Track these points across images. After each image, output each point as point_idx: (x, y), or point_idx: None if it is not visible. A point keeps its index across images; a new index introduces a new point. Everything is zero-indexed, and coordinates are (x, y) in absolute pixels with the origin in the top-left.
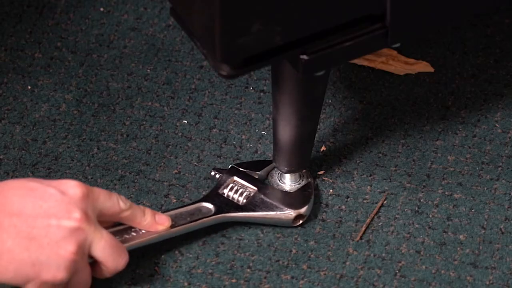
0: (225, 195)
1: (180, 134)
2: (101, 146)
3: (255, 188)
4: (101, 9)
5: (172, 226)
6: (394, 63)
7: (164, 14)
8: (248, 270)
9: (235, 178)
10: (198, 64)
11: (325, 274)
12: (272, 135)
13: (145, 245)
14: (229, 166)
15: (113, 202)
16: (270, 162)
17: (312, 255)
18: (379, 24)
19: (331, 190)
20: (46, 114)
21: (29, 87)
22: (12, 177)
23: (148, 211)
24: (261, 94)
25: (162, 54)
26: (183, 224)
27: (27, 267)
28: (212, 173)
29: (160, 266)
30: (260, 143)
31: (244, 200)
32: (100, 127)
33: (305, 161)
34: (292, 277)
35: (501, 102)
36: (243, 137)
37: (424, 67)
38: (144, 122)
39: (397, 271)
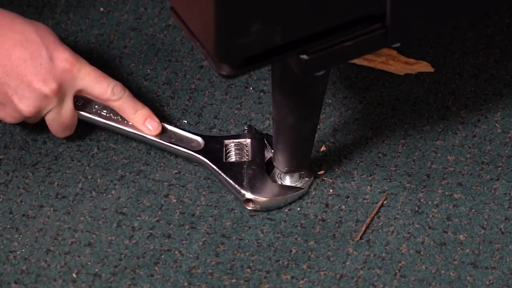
0: (226, 147)
1: None
2: (101, 146)
3: (250, 159)
4: (101, 9)
5: (156, 136)
6: (394, 63)
7: (164, 14)
8: (248, 270)
9: (250, 141)
10: (198, 64)
11: (325, 274)
12: (272, 135)
13: (122, 134)
14: (263, 133)
15: (101, 88)
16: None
17: (312, 255)
18: (379, 24)
19: (331, 190)
20: None
21: None
22: (12, 177)
23: (142, 112)
24: (261, 94)
25: (162, 54)
26: (166, 141)
27: None
28: (245, 127)
29: (160, 266)
30: None
31: (230, 160)
32: (100, 127)
33: (305, 161)
34: (292, 277)
35: (501, 102)
36: None
37: (424, 67)
38: None
39: (397, 271)
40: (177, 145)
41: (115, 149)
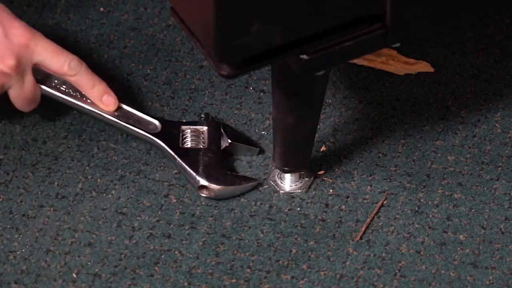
0: (183, 132)
1: None
2: (101, 146)
3: (206, 146)
4: (101, 9)
5: (113, 116)
6: (394, 63)
7: (164, 14)
8: (248, 270)
9: (206, 129)
10: (198, 64)
11: (325, 274)
12: (272, 135)
13: (79, 110)
14: (221, 122)
15: (57, 62)
16: (252, 143)
17: (312, 255)
18: (379, 24)
19: (331, 190)
20: (46, 114)
21: None
22: (12, 177)
23: (99, 87)
24: (261, 94)
25: (162, 54)
26: (123, 122)
27: None
28: (202, 114)
29: (160, 266)
30: (260, 143)
31: (186, 146)
32: (100, 127)
33: (305, 161)
34: (292, 277)
35: (501, 102)
36: None
37: (424, 67)
38: None
39: (397, 271)
40: (134, 126)
41: (115, 149)
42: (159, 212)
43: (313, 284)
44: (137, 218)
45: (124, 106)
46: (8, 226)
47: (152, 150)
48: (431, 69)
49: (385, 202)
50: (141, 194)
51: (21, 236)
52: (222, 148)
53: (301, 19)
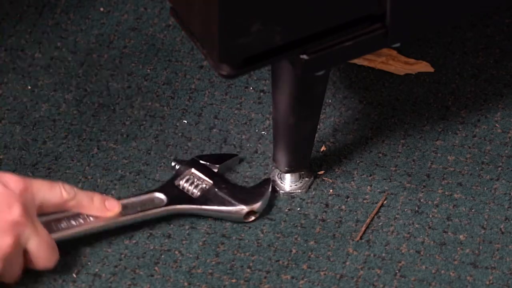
0: (180, 187)
1: (180, 134)
2: (101, 146)
3: (211, 182)
4: (101, 9)
5: (122, 215)
6: (394, 63)
7: (164, 14)
8: (248, 270)
9: (193, 170)
10: (198, 64)
11: (325, 274)
12: (272, 135)
13: (93, 233)
14: (190, 158)
15: (55, 194)
16: (231, 156)
17: (312, 255)
18: (379, 24)
19: (331, 190)
20: (46, 114)
21: (29, 87)
22: None
23: (97, 197)
24: (261, 94)
25: (162, 54)
26: (133, 213)
27: None
28: (173, 163)
29: (160, 266)
30: (260, 143)
31: (198, 193)
32: (100, 127)
33: (305, 161)
34: (292, 277)
35: (501, 102)
36: (243, 137)
37: (424, 67)
38: (144, 122)
39: (397, 271)
40: (144, 210)
41: (115, 149)
42: None
43: (313, 284)
44: None
45: (123, 201)
46: None
47: (152, 150)
48: (431, 69)
49: (385, 202)
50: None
51: None
52: (224, 172)
53: (301, 19)
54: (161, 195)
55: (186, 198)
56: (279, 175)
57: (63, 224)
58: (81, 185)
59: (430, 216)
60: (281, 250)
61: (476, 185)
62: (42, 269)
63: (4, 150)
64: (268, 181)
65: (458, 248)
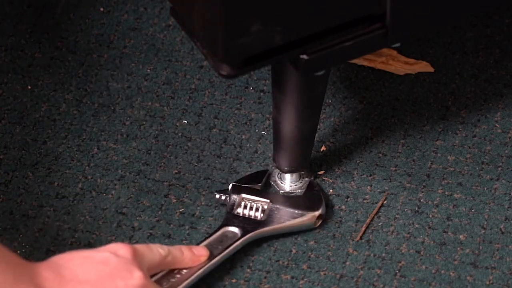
0: (241, 214)
1: (180, 134)
2: (101, 146)
3: (267, 200)
4: (101, 9)
5: (208, 259)
6: (394, 63)
7: (164, 14)
8: (248, 270)
9: (243, 195)
10: (198, 64)
11: (325, 274)
12: (272, 135)
13: (192, 284)
14: (230, 185)
15: (155, 253)
16: (265, 171)
17: (312, 255)
18: (379, 24)
19: (331, 190)
20: (46, 114)
21: (29, 87)
22: (12, 177)
23: (184, 248)
24: (261, 94)
25: (162, 54)
26: (218, 254)
27: None
28: (217, 196)
29: None
30: (260, 143)
31: (262, 215)
32: (100, 127)
33: (305, 161)
34: (292, 277)
35: (501, 102)
36: (243, 137)
37: (424, 67)
38: (144, 122)
39: (397, 271)
40: (227, 248)
41: (115, 149)
42: (159, 212)
43: (313, 284)
44: (137, 218)
45: (204, 243)
46: (8, 226)
47: (152, 150)
48: (431, 69)
49: (385, 202)
50: (141, 194)
51: (21, 236)
52: (263, 184)
53: (301, 19)
54: (232, 228)
55: (256, 222)
56: (279, 175)
57: (164, 283)
58: (81, 185)
59: (430, 216)
60: (281, 250)
61: (476, 185)
62: None
63: (4, 150)
64: (313, 183)
65: (458, 248)
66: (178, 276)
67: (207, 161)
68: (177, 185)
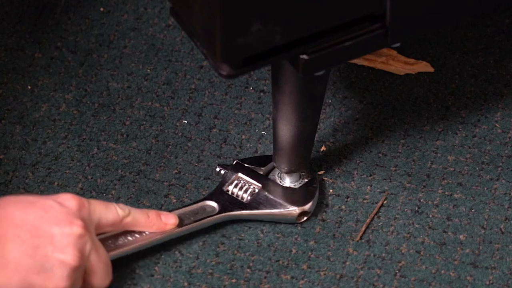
0: (230, 192)
1: (180, 134)
2: (101, 146)
3: (259, 185)
4: (101, 9)
5: (177, 227)
6: (394, 63)
7: (164, 14)
8: (248, 270)
9: (240, 174)
10: (198, 64)
11: (325, 274)
12: (272, 135)
13: (149, 247)
14: (234, 162)
15: (112, 212)
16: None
17: (312, 255)
18: (379, 24)
19: (331, 190)
20: (46, 114)
21: (29, 87)
22: (12, 177)
23: (152, 212)
24: (261, 94)
25: (162, 54)
26: (188, 224)
27: (32, 275)
28: (218, 169)
29: (160, 266)
30: (260, 143)
31: (249, 197)
32: (100, 127)
33: (305, 161)
34: (292, 277)
35: (501, 102)
36: (243, 137)
37: (424, 67)
38: (144, 122)
39: (397, 271)
40: (200, 219)
41: (115, 149)
42: None
43: (313, 284)
44: None
45: (177, 212)
46: None
47: (152, 150)
48: (431, 69)
49: (385, 202)
50: (141, 194)
51: None
52: (267, 173)
53: (301, 19)
54: (212, 203)
55: (238, 203)
56: (279, 175)
57: (120, 241)
58: (81, 185)
59: (430, 216)
60: (281, 250)
61: (476, 185)
62: None
63: (4, 150)
64: (315, 180)
65: (458, 248)
66: (137, 235)
67: (207, 161)
68: (177, 185)
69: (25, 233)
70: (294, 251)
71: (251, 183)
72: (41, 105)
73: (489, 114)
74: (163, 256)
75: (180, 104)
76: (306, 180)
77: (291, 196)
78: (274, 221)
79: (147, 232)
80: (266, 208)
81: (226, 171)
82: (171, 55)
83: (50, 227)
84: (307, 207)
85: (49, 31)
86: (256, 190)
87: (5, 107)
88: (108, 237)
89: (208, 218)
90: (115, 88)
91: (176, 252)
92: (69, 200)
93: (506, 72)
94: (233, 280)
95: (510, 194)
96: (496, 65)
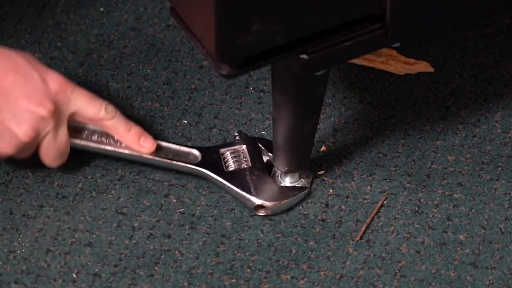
0: (222, 156)
1: (180, 134)
2: None
3: (250, 164)
4: (101, 9)
5: (151, 154)
6: (394, 63)
7: (164, 14)
8: (248, 270)
9: (244, 147)
10: (198, 64)
11: (325, 274)
12: (272, 135)
13: (116, 158)
14: (255, 136)
15: (94, 108)
16: None
17: (312, 255)
18: (378, 24)
19: (331, 190)
20: None
21: None
22: (12, 177)
23: (135, 130)
24: (261, 94)
25: (162, 54)
26: (163, 158)
27: None
28: (236, 133)
29: (160, 266)
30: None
31: (231, 168)
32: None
33: (305, 161)
34: (292, 277)
35: (501, 102)
36: None
37: (424, 67)
38: (144, 122)
39: (397, 271)
40: (175, 160)
41: None
42: (159, 212)
43: (313, 284)
44: (137, 218)
45: (161, 143)
46: (8, 226)
47: None
48: (431, 69)
49: (385, 202)
50: (141, 194)
51: (21, 236)
52: (265, 162)
53: (301, 19)
54: (197, 154)
55: (218, 167)
56: (279, 174)
57: (95, 137)
58: (81, 185)
59: (430, 216)
60: (281, 250)
61: (476, 185)
62: (45, 164)
63: None
64: (302, 189)
65: (458, 248)
66: (112, 141)
67: None
68: (177, 185)
69: None
70: (294, 251)
71: (246, 160)
72: None
73: (489, 114)
74: (163, 256)
75: (180, 104)
76: (302, 183)
77: (264, 188)
78: (238, 200)
79: (123, 144)
80: (236, 185)
81: (239, 138)
82: (171, 55)
83: (20, 98)
84: (267, 204)
85: (49, 31)
86: (243, 167)
87: None
88: (88, 128)
89: (184, 164)
90: (115, 88)
91: (176, 252)
92: (53, 81)
93: (506, 72)
94: (233, 280)
95: (510, 194)
96: (496, 65)
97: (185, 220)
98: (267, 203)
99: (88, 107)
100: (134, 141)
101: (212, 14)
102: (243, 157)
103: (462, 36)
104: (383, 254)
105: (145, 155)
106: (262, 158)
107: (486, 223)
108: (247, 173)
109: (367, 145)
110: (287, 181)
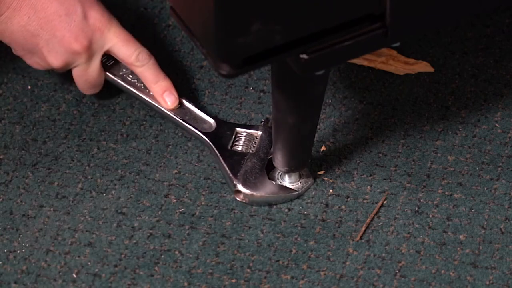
0: (236, 135)
1: (180, 134)
2: (101, 146)
3: (253, 152)
4: None
5: (172, 111)
6: (394, 63)
7: (164, 14)
8: (248, 270)
9: (260, 134)
10: (198, 64)
11: (325, 274)
12: (272, 135)
13: (139, 100)
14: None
15: (128, 51)
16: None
17: (312, 255)
18: (378, 24)
19: (331, 190)
20: (46, 114)
21: (29, 87)
22: (12, 177)
23: (162, 83)
24: (261, 94)
25: (162, 54)
26: (178, 117)
27: (21, 50)
28: (262, 120)
29: (160, 266)
30: None
31: (234, 148)
32: (100, 127)
33: (304, 161)
34: (292, 277)
35: (501, 102)
36: None
37: (424, 67)
38: (144, 122)
39: (397, 271)
40: (189, 123)
41: (115, 149)
42: (159, 212)
43: (313, 284)
44: (137, 218)
45: (184, 102)
46: (8, 226)
47: (152, 150)
48: (431, 69)
49: (385, 202)
50: (141, 194)
51: (21, 236)
52: (270, 155)
53: (300, 19)
54: (213, 124)
55: (223, 143)
56: (279, 174)
57: (130, 77)
58: (81, 185)
59: (430, 216)
60: (281, 250)
61: (476, 185)
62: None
63: (4, 150)
64: (290, 191)
65: (458, 248)
66: (142, 86)
67: (207, 161)
68: (177, 185)
69: (34, 17)
70: (294, 251)
71: (254, 146)
72: (41, 105)
73: (489, 114)
74: (163, 256)
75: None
76: (301, 183)
77: (251, 175)
78: (225, 181)
79: (142, 86)
80: (227, 163)
81: (263, 126)
82: (171, 55)
83: (57, 30)
84: (245, 191)
85: None
86: (245, 151)
87: (5, 107)
88: (125, 67)
89: (194, 130)
90: (115, 88)
91: (176, 252)
92: (94, 18)
93: (506, 72)
94: (233, 280)
95: (510, 194)
96: (496, 65)
97: (185, 220)
98: (245, 191)
99: (121, 49)
100: (158, 94)
101: (212, 14)
102: (253, 143)
103: (462, 36)
104: (383, 254)
105: (164, 110)
106: (269, 150)
107: (486, 223)
108: (245, 158)
109: (367, 145)
110: (286, 181)
